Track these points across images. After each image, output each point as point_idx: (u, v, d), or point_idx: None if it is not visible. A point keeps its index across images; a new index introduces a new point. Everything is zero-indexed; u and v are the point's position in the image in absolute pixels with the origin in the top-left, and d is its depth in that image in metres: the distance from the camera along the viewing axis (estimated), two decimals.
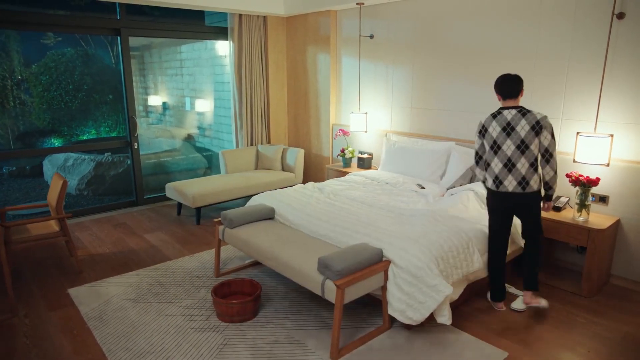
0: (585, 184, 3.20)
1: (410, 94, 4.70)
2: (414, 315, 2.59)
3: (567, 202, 3.49)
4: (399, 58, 4.73)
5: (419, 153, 4.34)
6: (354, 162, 5.32)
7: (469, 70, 4.14)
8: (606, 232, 3.15)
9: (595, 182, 3.18)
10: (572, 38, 3.44)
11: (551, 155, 2.76)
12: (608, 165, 3.22)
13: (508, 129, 2.77)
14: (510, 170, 2.80)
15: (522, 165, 2.77)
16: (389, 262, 2.68)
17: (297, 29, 5.79)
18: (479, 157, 2.99)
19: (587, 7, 3.33)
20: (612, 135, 3.19)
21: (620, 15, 3.17)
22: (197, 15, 5.94)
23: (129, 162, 5.67)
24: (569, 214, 3.37)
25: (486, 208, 3.09)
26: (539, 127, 2.72)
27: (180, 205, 5.13)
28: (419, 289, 2.58)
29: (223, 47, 6.40)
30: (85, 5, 5.09)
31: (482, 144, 2.95)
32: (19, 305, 3.12)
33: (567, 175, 3.29)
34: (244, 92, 5.72)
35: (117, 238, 4.41)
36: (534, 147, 2.75)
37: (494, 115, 2.85)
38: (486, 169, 2.95)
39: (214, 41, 6.51)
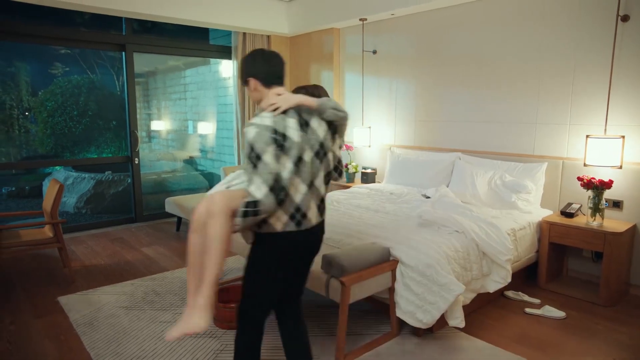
0: (598, 187, 3.09)
1: (414, 107, 4.66)
2: (424, 317, 2.42)
3: (579, 209, 3.36)
4: (402, 72, 4.73)
5: (424, 164, 4.25)
6: (358, 177, 5.23)
7: (474, 80, 4.11)
8: (623, 236, 3.01)
9: (608, 184, 3.07)
10: (577, 43, 3.42)
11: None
12: (621, 167, 3.12)
13: (304, 126, 1.75)
14: (313, 193, 1.78)
15: (321, 181, 1.82)
16: (396, 261, 2.53)
17: (300, 47, 5.85)
18: (281, 190, 1.65)
19: (590, 10, 3.33)
20: (623, 137, 3.11)
21: (625, 18, 3.16)
22: (201, 36, 6.03)
23: (129, 180, 5.59)
24: (582, 220, 3.24)
25: None
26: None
27: (180, 220, 5.00)
28: (429, 289, 2.43)
29: (227, 69, 6.45)
30: (91, 23, 5.16)
31: (277, 159, 1.66)
32: (5, 313, 2.95)
33: (579, 179, 3.19)
34: (247, 111, 5.71)
35: (114, 251, 4.26)
36: (331, 155, 1.86)
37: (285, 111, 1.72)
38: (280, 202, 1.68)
39: (218, 63, 6.57)
